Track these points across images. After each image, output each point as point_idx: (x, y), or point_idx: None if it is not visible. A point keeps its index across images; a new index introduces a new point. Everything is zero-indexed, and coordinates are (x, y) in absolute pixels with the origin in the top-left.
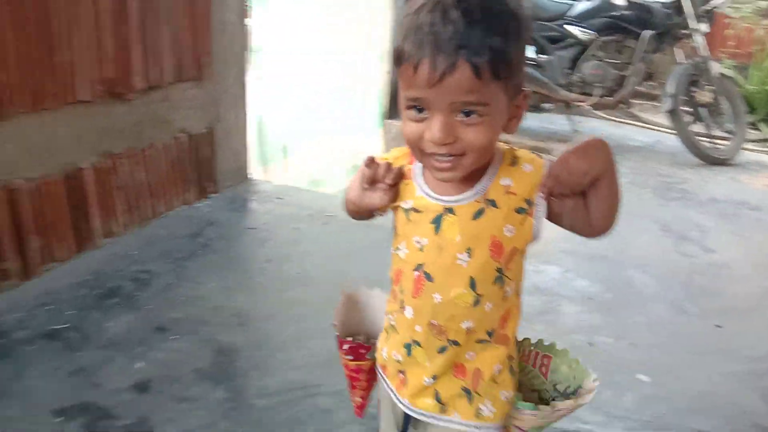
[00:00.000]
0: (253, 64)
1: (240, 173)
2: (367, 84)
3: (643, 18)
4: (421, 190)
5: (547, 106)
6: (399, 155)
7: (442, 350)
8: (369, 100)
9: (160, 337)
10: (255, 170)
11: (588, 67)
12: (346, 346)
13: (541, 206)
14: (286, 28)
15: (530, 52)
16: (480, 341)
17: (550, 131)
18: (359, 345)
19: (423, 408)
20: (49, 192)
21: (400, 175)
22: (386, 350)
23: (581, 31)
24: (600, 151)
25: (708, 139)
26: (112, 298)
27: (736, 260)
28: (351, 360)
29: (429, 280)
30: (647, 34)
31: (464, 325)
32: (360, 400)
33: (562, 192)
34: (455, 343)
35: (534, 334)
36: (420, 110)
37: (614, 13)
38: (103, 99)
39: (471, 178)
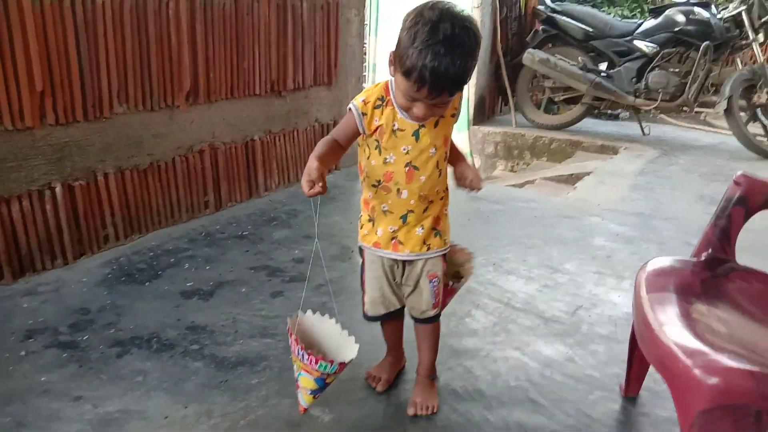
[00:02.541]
0: (368, 76)
1: (355, 156)
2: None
3: (702, 31)
4: (401, 114)
5: (621, 115)
6: (377, 89)
7: (425, 210)
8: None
9: (307, 240)
10: None
11: (652, 76)
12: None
13: (460, 113)
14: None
15: (602, 65)
16: (441, 198)
17: (621, 134)
18: (318, 357)
19: (418, 251)
20: (234, 153)
21: (324, 190)
22: (381, 230)
23: (646, 45)
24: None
25: (766, 137)
26: (273, 222)
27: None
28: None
29: (416, 169)
30: (706, 45)
31: (436, 189)
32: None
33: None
34: (431, 201)
35: (566, 253)
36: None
37: (676, 29)
38: (268, 94)
39: None
